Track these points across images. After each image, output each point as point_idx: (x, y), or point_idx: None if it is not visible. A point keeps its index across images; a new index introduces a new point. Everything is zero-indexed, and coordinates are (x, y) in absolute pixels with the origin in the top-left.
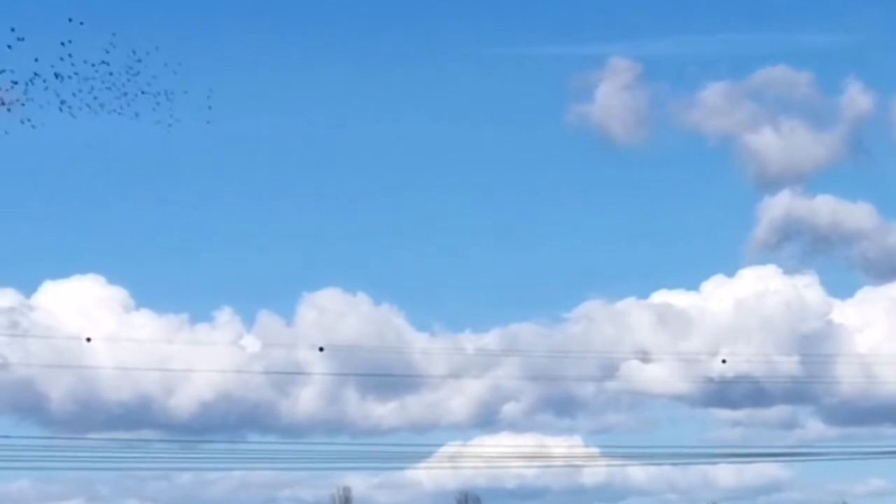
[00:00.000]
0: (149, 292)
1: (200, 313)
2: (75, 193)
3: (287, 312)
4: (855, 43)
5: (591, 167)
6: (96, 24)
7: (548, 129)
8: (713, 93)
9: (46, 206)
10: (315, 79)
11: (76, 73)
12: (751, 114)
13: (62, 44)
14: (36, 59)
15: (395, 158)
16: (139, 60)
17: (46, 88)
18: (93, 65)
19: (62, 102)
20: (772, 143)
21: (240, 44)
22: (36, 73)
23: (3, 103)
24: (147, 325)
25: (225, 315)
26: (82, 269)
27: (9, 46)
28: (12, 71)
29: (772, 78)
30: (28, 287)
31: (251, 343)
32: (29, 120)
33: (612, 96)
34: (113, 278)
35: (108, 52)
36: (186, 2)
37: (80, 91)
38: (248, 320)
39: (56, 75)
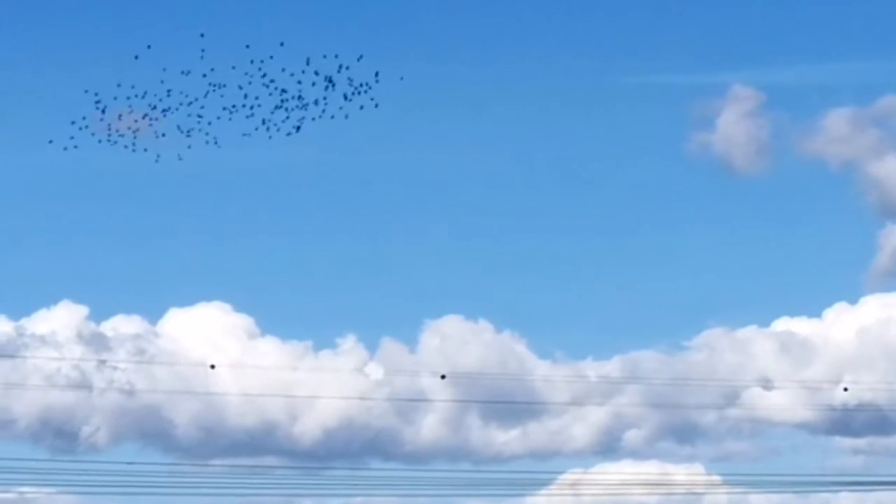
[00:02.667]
0: (274, 319)
1: (324, 340)
2: (201, 221)
3: (410, 339)
4: None
5: (712, 195)
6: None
7: (669, 156)
8: (835, 120)
9: (172, 233)
10: (433, 110)
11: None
12: (874, 141)
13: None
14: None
15: (516, 187)
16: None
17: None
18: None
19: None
20: (895, 170)
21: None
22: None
23: (128, 130)
24: (272, 352)
25: (349, 342)
26: (208, 297)
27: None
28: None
29: (895, 105)
30: (154, 314)
31: (374, 370)
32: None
33: (734, 124)
34: (239, 306)
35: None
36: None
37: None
38: (372, 347)
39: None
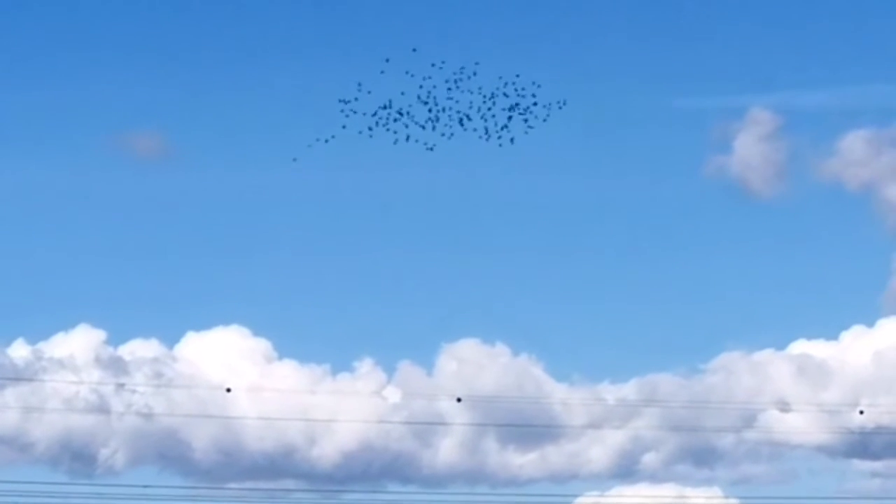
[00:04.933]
0: (291, 343)
1: (342, 364)
2: (218, 244)
3: (427, 363)
4: None
5: (730, 218)
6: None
7: (687, 179)
8: (852, 143)
9: (189, 257)
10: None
11: None
12: (891, 164)
13: None
14: None
15: (534, 211)
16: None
17: None
18: None
19: None
20: None
21: None
22: None
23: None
24: (289, 376)
25: (366, 366)
26: (225, 321)
27: None
28: None
29: None
30: (171, 338)
31: (392, 393)
32: None
33: (752, 147)
34: (256, 329)
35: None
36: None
37: None
38: (389, 371)
39: None
